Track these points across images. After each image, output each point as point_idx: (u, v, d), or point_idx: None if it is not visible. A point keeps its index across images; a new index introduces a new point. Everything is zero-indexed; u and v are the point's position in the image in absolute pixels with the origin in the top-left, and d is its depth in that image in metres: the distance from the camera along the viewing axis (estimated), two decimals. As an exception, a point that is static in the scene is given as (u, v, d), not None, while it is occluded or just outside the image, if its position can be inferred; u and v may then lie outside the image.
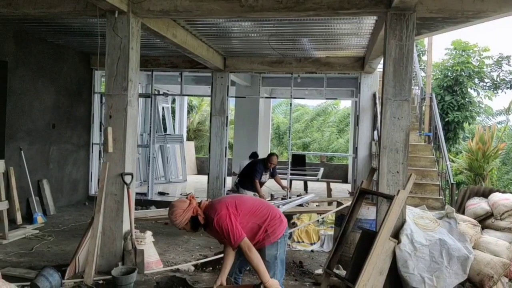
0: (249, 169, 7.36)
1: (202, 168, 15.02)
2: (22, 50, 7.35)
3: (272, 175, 7.55)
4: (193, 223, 3.20)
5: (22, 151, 7.34)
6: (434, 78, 12.57)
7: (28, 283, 4.09)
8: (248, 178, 7.27)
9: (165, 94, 12.89)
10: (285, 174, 9.43)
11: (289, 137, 9.88)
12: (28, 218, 7.16)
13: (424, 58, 13.82)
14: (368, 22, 6.00)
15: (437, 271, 3.92)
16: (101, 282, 4.47)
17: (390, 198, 4.05)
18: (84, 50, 8.81)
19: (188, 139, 16.89)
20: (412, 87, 9.52)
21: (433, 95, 9.61)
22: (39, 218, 7.14)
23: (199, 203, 3.26)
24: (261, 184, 7.30)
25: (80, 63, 9.06)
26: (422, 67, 13.34)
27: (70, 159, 8.80)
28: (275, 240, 3.28)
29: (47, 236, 6.28)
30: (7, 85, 7.07)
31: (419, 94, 9.78)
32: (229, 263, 3.30)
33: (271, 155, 7.37)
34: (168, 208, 3.24)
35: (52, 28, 7.02)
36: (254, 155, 8.68)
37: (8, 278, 3.80)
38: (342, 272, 4.39)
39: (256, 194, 7.10)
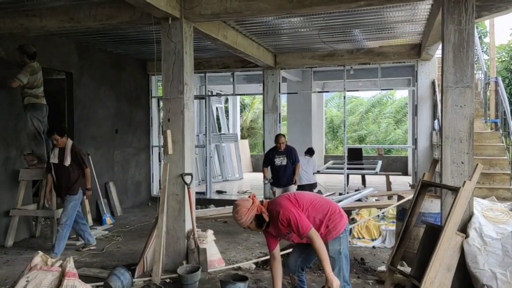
0: (264, 158, 7.20)
1: (257, 165, 15.16)
2: (84, 61, 7.80)
3: (294, 161, 7.00)
4: (258, 221, 3.24)
5: (89, 156, 7.79)
6: (500, 60, 11.80)
7: (102, 282, 4.35)
8: (264, 163, 7.10)
9: (219, 95, 13.14)
10: (342, 168, 9.28)
11: (344, 130, 9.72)
12: (98, 220, 7.60)
13: (486, 40, 13.01)
14: (423, 7, 5.74)
15: (511, 266, 3.68)
16: (168, 280, 4.66)
17: (455, 190, 3.86)
18: (140, 57, 9.19)
19: (242, 137, 17.11)
20: (475, 71, 9.04)
21: (499, 79, 9.00)
22: (108, 220, 7.57)
23: (261, 202, 3.31)
24: (278, 168, 6.87)
25: (138, 70, 9.46)
26: (485, 49, 12.56)
27: (132, 162, 9.23)
28: (337, 235, 3.29)
29: (116, 236, 6.64)
30: (73, 95, 7.56)
31: (483, 78, 9.22)
32: (279, 278, 3.36)
33: (277, 136, 7.02)
34: (232, 208, 3.31)
35: (110, 38, 7.39)
36: (310, 151, 8.60)
37: (83, 278, 4.04)
38: (407, 269, 4.25)
39: (287, 189, 6.79)
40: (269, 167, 7.03)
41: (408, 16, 6.19)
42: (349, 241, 5.86)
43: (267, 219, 3.24)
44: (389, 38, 7.65)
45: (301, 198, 3.32)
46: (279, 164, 6.90)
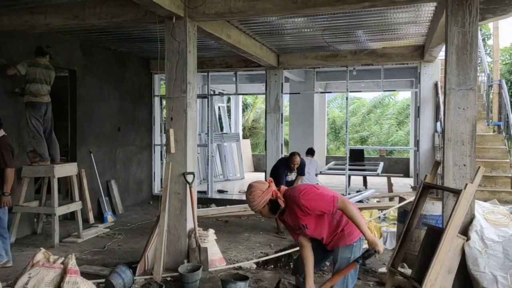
0: (274, 172, 7.05)
1: (258, 165, 15.18)
2: (88, 59, 7.81)
3: (301, 174, 7.17)
4: (272, 206, 3.02)
5: (92, 154, 7.82)
6: (503, 63, 11.77)
7: (103, 280, 4.37)
8: (277, 181, 7.02)
9: (221, 94, 13.14)
10: (343, 169, 9.28)
11: (346, 131, 9.70)
12: (99, 218, 7.60)
13: (490, 42, 12.98)
14: (427, 9, 5.74)
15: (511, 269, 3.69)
16: (169, 279, 4.67)
17: (457, 193, 3.86)
18: (144, 55, 9.20)
19: (244, 137, 17.12)
20: (478, 74, 9.02)
21: (503, 81, 8.98)
22: (109, 217, 7.58)
23: (278, 188, 3.10)
24: (289, 183, 6.90)
25: (141, 68, 9.47)
26: (488, 52, 12.54)
27: (134, 160, 9.25)
28: (350, 242, 3.06)
29: (117, 234, 6.66)
30: (77, 93, 7.57)
31: (486, 81, 9.20)
32: (310, 265, 3.09)
33: (292, 155, 6.89)
34: (246, 189, 3.10)
35: (114, 36, 7.40)
36: (310, 151, 8.61)
37: (85, 275, 4.06)
38: (408, 271, 4.26)
39: None
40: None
41: (411, 18, 6.19)
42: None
43: (282, 205, 3.01)
44: (393, 39, 7.65)
45: (320, 188, 3.10)
46: (289, 180, 6.97)
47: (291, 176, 7.02)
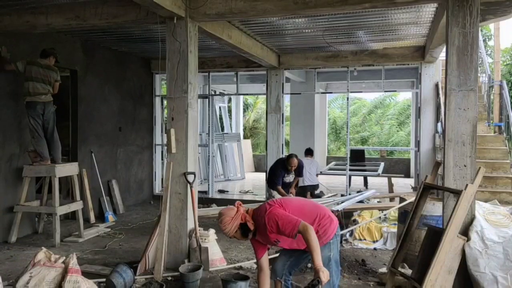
0: (271, 173, 7.09)
1: (259, 165, 15.18)
2: (89, 59, 7.83)
3: (298, 175, 7.21)
4: (243, 230, 3.14)
5: (93, 154, 7.83)
6: (504, 64, 11.77)
7: (104, 279, 4.38)
8: (273, 181, 7.03)
9: (222, 94, 13.15)
10: (344, 170, 9.28)
11: (347, 132, 9.69)
12: (100, 217, 7.63)
13: (491, 43, 12.98)
14: (428, 10, 5.74)
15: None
16: (169, 278, 4.68)
17: (457, 193, 3.87)
18: (145, 55, 9.21)
19: (245, 137, 17.13)
20: (479, 74, 9.02)
21: (504, 82, 8.99)
22: (110, 217, 7.59)
23: (246, 210, 3.21)
24: (286, 184, 6.99)
25: (142, 68, 9.49)
26: (489, 53, 12.54)
27: (135, 160, 9.26)
28: (327, 241, 3.15)
29: (118, 234, 6.67)
30: (78, 93, 7.59)
31: (487, 81, 9.21)
32: None
33: (289, 157, 6.88)
34: (217, 216, 3.22)
35: (115, 36, 7.42)
36: (309, 151, 8.62)
37: (85, 274, 4.06)
38: (408, 271, 4.26)
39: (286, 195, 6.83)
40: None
41: (412, 18, 6.20)
42: (350, 242, 5.95)
43: (251, 228, 3.13)
44: (393, 40, 7.66)
45: (287, 204, 3.20)
46: (287, 181, 7.02)
47: (289, 178, 7.04)
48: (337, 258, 3.24)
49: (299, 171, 7.14)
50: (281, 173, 6.89)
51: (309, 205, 3.32)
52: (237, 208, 3.15)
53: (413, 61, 8.45)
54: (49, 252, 3.91)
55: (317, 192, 8.36)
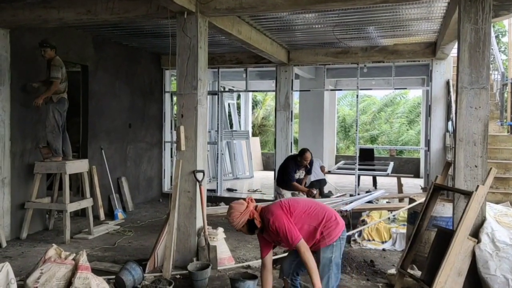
0: (282, 169, 7.01)
1: (267, 163, 15.12)
2: (100, 54, 7.82)
3: (308, 173, 7.17)
4: (250, 226, 3.25)
5: (103, 150, 7.86)
6: (517, 61, 11.55)
7: (113, 276, 4.40)
8: (283, 179, 6.94)
9: (231, 91, 13.12)
10: (353, 169, 9.21)
11: (356, 130, 9.63)
12: (110, 214, 7.67)
13: (504, 39, 12.79)
14: (440, 5, 5.67)
15: (524, 273, 3.65)
16: (178, 276, 4.70)
17: (468, 195, 3.83)
18: (155, 50, 9.18)
19: (253, 134, 17.08)
20: (491, 72, 8.87)
21: (517, 80, 8.84)
22: (120, 214, 7.62)
23: (256, 207, 3.29)
24: (297, 181, 6.92)
25: (152, 64, 9.46)
26: (502, 49, 12.36)
27: (144, 157, 9.28)
28: (330, 242, 3.22)
29: (127, 231, 6.70)
30: (89, 88, 7.60)
31: (500, 79, 9.06)
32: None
33: (304, 151, 6.80)
34: (227, 209, 3.32)
35: (126, 31, 7.42)
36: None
37: (95, 271, 4.10)
38: (417, 273, 4.22)
39: (296, 193, 6.83)
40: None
41: (423, 14, 6.12)
42: (359, 243, 5.91)
43: (258, 225, 3.23)
44: (404, 36, 7.57)
45: (294, 206, 3.26)
46: (296, 178, 6.94)
47: (299, 174, 6.99)
48: (338, 262, 3.28)
49: (310, 168, 7.10)
50: (293, 168, 6.87)
51: (316, 207, 3.34)
52: (247, 204, 3.23)
53: (424, 58, 8.34)
54: (59, 248, 3.95)
55: (325, 190, 8.32)
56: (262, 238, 3.34)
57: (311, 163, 7.06)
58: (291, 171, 6.82)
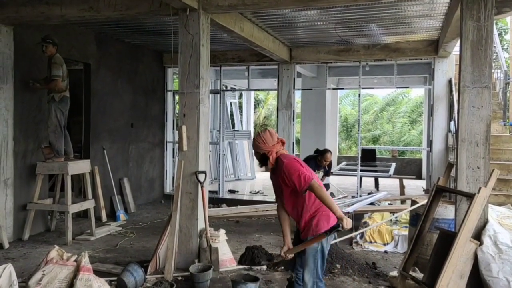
0: None
1: (269, 164, 15.02)
2: (102, 52, 7.75)
3: (327, 174, 7.16)
4: (262, 158, 3.38)
5: (105, 151, 7.80)
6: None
7: (115, 278, 4.41)
8: None
9: (233, 90, 13.03)
10: (355, 170, 9.15)
11: (358, 130, 9.57)
12: (112, 216, 7.63)
13: (507, 37, 12.70)
14: (442, 2, 5.62)
15: (526, 275, 3.63)
16: (180, 278, 4.70)
17: (470, 197, 3.81)
18: (157, 48, 9.13)
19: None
20: (493, 70, 8.82)
21: (521, 79, 8.79)
22: (122, 216, 7.60)
23: (278, 150, 3.35)
24: None
25: (154, 62, 9.38)
26: (505, 47, 12.28)
27: (146, 158, 9.22)
28: (318, 233, 3.20)
29: (129, 233, 6.68)
30: (91, 86, 7.53)
31: (502, 78, 9.01)
32: (287, 228, 3.44)
33: (325, 151, 6.83)
34: (261, 131, 3.43)
35: (128, 28, 7.38)
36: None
37: (97, 273, 4.10)
38: (419, 275, 4.21)
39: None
40: None
41: (426, 11, 6.08)
42: (361, 245, 5.88)
43: (270, 166, 3.34)
44: (406, 33, 7.53)
45: (309, 170, 3.29)
46: None
47: (317, 174, 7.01)
48: (325, 253, 3.28)
49: (328, 170, 7.10)
50: (312, 168, 6.88)
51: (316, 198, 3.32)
52: (277, 143, 3.33)
53: (426, 56, 8.29)
54: (61, 250, 3.96)
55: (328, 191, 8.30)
56: (274, 180, 3.42)
57: (330, 164, 7.06)
58: (309, 166, 6.82)
